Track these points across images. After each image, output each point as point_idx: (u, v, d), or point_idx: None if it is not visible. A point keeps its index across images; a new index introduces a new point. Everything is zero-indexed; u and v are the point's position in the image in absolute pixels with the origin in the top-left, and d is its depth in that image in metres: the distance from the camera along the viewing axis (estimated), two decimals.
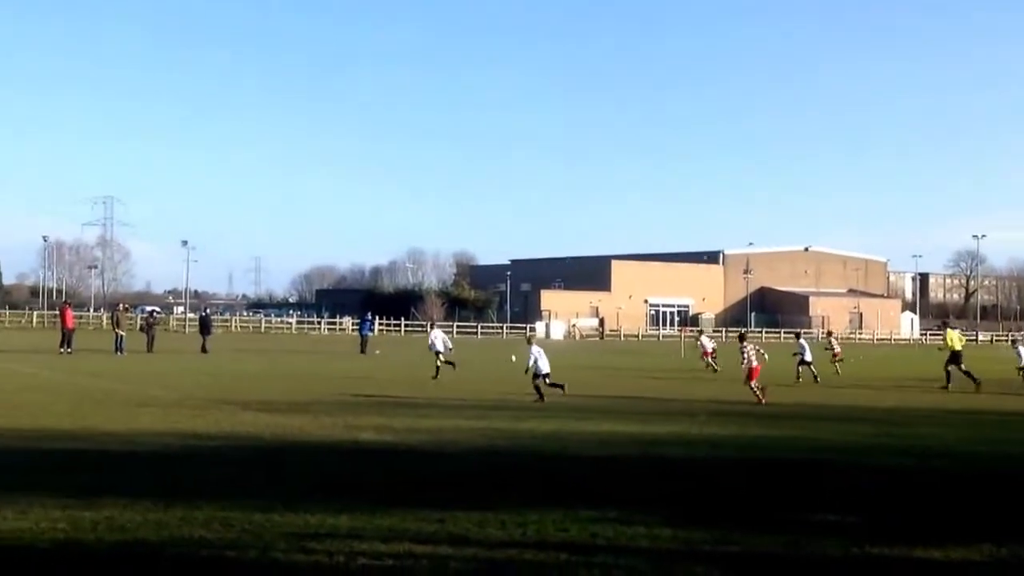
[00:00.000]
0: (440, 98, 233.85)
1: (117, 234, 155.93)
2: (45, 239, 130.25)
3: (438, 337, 31.43)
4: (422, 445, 15.11)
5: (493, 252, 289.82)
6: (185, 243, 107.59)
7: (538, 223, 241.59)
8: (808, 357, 33.28)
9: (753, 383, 24.11)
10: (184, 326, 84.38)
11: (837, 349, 38.31)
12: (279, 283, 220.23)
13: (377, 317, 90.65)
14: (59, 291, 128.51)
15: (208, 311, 61.30)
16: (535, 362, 23.19)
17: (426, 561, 7.97)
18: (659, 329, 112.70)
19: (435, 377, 29.75)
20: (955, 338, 30.59)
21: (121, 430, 16.10)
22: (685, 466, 13.67)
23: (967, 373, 29.61)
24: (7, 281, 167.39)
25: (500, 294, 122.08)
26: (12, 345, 47.63)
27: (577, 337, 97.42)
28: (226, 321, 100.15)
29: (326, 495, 10.56)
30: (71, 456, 13.55)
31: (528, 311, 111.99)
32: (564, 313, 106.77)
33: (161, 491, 10.51)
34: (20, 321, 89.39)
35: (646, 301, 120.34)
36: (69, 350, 40.45)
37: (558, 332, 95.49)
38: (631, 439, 16.47)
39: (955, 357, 30.13)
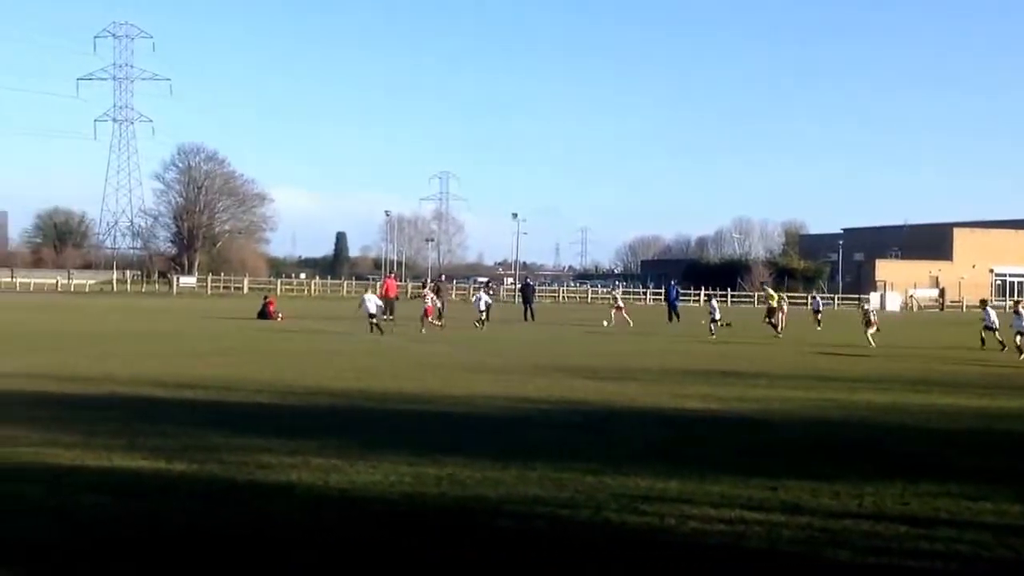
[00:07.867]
0: (760, 69, 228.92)
1: (452, 208, 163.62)
2: (387, 214, 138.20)
3: (370, 300, 33.90)
4: (750, 414, 14.90)
5: (824, 221, 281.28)
6: (515, 216, 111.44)
7: (872, 190, 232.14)
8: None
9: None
10: (513, 296, 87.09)
11: None
12: (605, 254, 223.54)
13: (703, 288, 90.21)
14: (399, 263, 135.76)
15: (529, 280, 62.95)
16: None
17: (759, 527, 7.88)
18: (1006, 300, 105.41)
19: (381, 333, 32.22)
20: None
21: (459, 394, 16.87)
22: None
23: None
24: (353, 254, 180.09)
25: (831, 264, 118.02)
26: (357, 312, 50.97)
27: (915, 308, 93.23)
28: (553, 292, 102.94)
29: (654, 460, 10.65)
30: (416, 416, 14.37)
31: (862, 281, 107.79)
32: (900, 283, 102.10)
33: (498, 451, 10.95)
34: (364, 291, 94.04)
35: (991, 271, 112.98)
36: (391, 318, 43.17)
37: (894, 303, 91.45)
38: (975, 413, 15.55)
39: None
